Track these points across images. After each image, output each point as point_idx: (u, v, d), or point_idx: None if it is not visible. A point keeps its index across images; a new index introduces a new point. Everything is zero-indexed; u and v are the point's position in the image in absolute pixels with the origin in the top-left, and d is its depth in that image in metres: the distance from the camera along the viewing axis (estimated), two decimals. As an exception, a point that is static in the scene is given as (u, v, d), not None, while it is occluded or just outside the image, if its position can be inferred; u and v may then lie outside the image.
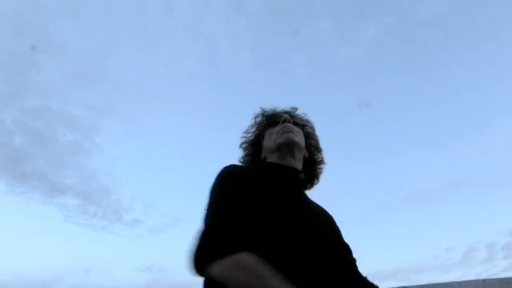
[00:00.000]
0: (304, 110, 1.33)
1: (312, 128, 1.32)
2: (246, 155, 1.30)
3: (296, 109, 1.33)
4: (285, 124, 1.22)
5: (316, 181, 1.30)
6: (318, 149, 1.30)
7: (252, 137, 1.30)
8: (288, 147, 1.18)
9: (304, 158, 1.25)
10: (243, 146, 1.31)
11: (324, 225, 1.12)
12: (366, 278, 1.19)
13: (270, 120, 1.27)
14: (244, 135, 1.32)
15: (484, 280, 5.24)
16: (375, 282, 1.20)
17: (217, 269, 0.80)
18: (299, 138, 1.21)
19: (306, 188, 1.27)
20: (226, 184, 0.99)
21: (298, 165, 1.20)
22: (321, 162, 1.31)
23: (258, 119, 1.32)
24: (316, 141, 1.31)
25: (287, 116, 1.24)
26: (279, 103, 1.33)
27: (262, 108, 1.32)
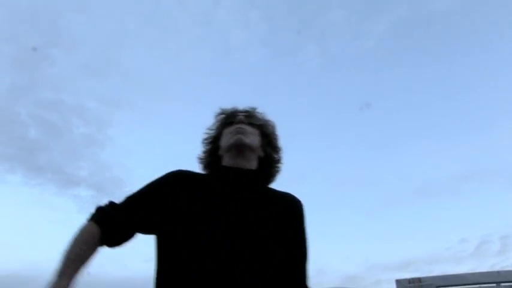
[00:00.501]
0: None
1: (272, 127, 1.33)
2: (205, 152, 1.33)
3: (255, 109, 1.34)
4: (238, 125, 1.23)
5: (271, 179, 1.31)
6: (275, 149, 1.31)
7: (212, 134, 1.33)
8: (237, 148, 1.20)
9: (260, 157, 1.26)
10: (204, 142, 1.34)
11: (263, 223, 1.07)
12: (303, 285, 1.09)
13: (228, 120, 1.30)
14: (206, 131, 1.35)
15: (498, 272, 5.22)
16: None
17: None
18: (251, 139, 1.22)
19: (263, 184, 1.27)
20: (153, 182, 1.16)
21: (250, 165, 1.21)
22: (278, 161, 1.32)
23: (219, 118, 1.34)
24: (275, 141, 1.32)
25: (241, 117, 1.26)
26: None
27: (222, 108, 1.35)
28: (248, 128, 1.24)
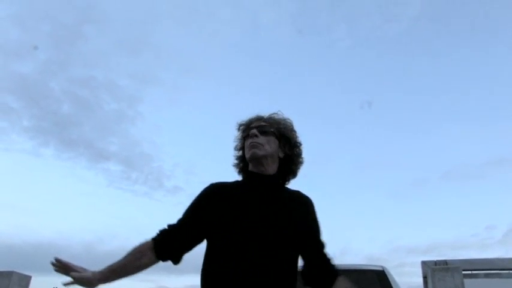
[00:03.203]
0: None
1: (287, 127, 1.47)
2: (236, 158, 1.51)
3: (271, 114, 1.48)
4: (250, 140, 1.40)
5: (292, 175, 1.48)
6: (293, 145, 1.46)
7: (238, 144, 1.51)
8: (254, 160, 1.40)
9: (281, 158, 1.44)
10: (235, 149, 1.52)
11: (282, 221, 1.31)
12: (331, 269, 1.33)
13: (245, 133, 1.46)
14: (235, 150, 1.52)
15: (528, 258, 5.12)
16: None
17: None
18: (265, 149, 1.39)
19: (283, 183, 1.47)
20: (194, 202, 1.40)
21: (271, 169, 1.41)
22: (298, 156, 1.47)
23: (238, 134, 1.51)
24: (292, 139, 1.46)
25: (254, 130, 1.41)
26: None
27: (238, 123, 1.51)
28: (261, 139, 1.40)
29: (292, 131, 1.47)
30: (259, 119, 1.47)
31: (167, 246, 1.35)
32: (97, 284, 1.30)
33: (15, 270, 7.28)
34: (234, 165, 1.51)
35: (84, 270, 1.31)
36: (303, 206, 1.41)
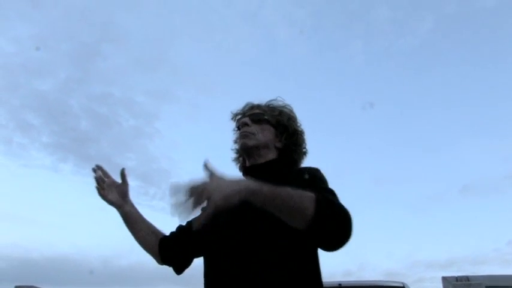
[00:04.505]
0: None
1: (282, 113, 1.31)
2: (236, 159, 1.39)
3: (256, 105, 1.34)
4: (241, 130, 1.27)
5: (295, 165, 1.30)
6: (291, 134, 1.30)
7: (234, 137, 1.37)
8: (244, 152, 1.28)
9: (279, 148, 1.28)
10: (234, 143, 1.39)
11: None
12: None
13: (236, 123, 1.34)
14: (234, 143, 1.39)
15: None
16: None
17: None
18: (256, 138, 1.24)
19: (284, 168, 1.26)
20: None
21: (265, 159, 1.25)
22: (297, 146, 1.31)
23: (234, 126, 1.37)
24: (290, 127, 1.30)
25: (245, 119, 1.28)
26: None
27: (232, 112, 1.38)
28: (253, 128, 1.26)
29: (291, 118, 1.32)
30: (253, 106, 1.34)
31: (169, 246, 1.36)
32: (119, 208, 1.43)
33: (34, 284, 7.37)
34: (233, 160, 1.40)
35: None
36: (300, 177, 1.17)
